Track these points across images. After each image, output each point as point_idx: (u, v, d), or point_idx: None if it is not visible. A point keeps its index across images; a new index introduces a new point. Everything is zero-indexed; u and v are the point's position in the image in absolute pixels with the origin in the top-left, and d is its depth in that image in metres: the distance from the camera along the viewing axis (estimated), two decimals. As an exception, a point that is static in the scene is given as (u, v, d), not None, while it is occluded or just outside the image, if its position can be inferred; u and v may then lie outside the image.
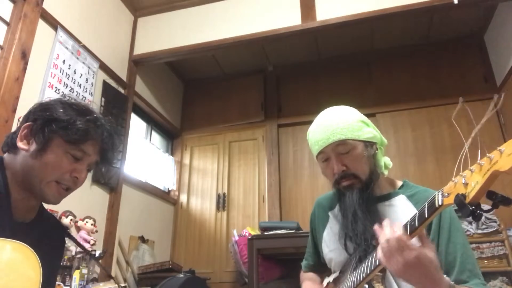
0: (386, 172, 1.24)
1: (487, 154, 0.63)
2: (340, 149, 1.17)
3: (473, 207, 0.65)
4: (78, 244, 1.25)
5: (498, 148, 0.61)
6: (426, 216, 0.80)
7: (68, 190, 1.05)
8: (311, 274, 1.45)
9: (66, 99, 1.08)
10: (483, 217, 3.06)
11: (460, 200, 0.67)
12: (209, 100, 4.62)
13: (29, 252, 0.89)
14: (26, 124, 1.02)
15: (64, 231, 1.22)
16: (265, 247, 3.11)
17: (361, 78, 4.22)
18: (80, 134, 1.01)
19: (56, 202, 1.03)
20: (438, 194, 0.77)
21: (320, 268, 1.41)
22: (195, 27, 3.52)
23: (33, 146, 0.99)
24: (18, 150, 1.01)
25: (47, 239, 1.09)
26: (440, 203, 0.75)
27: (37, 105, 1.05)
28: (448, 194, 0.73)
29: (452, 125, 3.68)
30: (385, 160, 1.24)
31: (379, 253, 0.89)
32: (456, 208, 0.72)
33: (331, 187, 1.28)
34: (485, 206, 0.73)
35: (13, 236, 0.88)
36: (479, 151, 0.66)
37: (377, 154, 1.22)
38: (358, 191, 1.17)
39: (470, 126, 0.97)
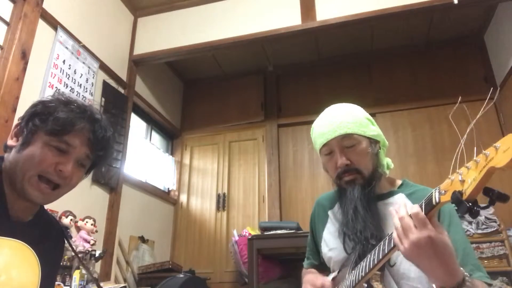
0: (387, 172, 1.25)
1: (483, 151, 0.63)
2: (345, 143, 1.18)
3: (470, 204, 0.65)
4: (72, 249, 1.23)
5: (494, 144, 0.61)
6: (423, 214, 0.79)
7: (56, 189, 0.99)
8: (312, 270, 1.44)
9: (58, 94, 1.04)
10: (483, 217, 3.06)
11: (457, 197, 0.67)
12: (209, 100, 4.62)
13: (28, 251, 0.88)
14: (16, 123, 1.02)
15: (63, 233, 1.20)
16: (265, 247, 3.11)
17: (361, 78, 4.22)
18: (60, 124, 0.96)
19: (41, 201, 0.99)
20: (435, 192, 0.77)
21: (321, 266, 1.41)
22: (195, 27, 3.53)
23: (19, 142, 0.98)
24: (11, 149, 0.99)
25: (46, 239, 1.07)
26: (437, 201, 0.75)
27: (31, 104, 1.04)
28: (445, 191, 0.73)
29: (452, 125, 3.68)
30: (387, 161, 1.25)
31: (394, 233, 0.86)
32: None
33: (331, 184, 1.28)
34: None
35: (11, 236, 0.88)
36: (475, 148, 0.66)
37: (380, 153, 1.23)
38: (360, 187, 1.17)
39: (469, 124, 0.98)
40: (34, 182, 0.95)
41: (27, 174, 0.94)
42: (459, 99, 0.88)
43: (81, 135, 1.00)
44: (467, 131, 0.67)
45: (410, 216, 0.82)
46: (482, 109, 0.69)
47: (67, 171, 0.98)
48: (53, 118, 0.96)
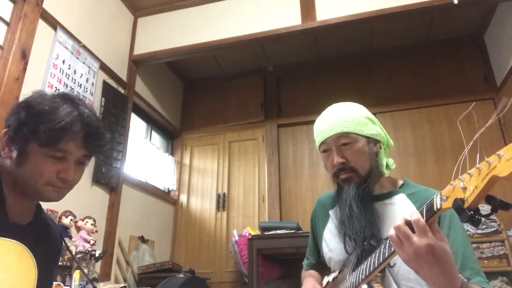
0: (387, 172, 1.24)
1: (486, 159, 0.63)
2: (341, 141, 1.19)
3: (472, 212, 0.65)
4: (70, 252, 1.23)
5: (497, 152, 0.61)
6: (424, 219, 0.79)
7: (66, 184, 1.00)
8: (312, 272, 1.45)
9: (36, 94, 0.99)
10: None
11: (458, 205, 0.67)
12: (209, 100, 4.62)
13: (24, 252, 0.88)
14: (3, 131, 0.99)
15: (61, 235, 1.20)
16: (265, 247, 3.11)
17: (361, 78, 4.22)
18: (51, 135, 0.93)
19: (58, 199, 1.00)
20: (436, 198, 0.77)
21: (321, 266, 1.41)
22: (195, 27, 3.52)
23: (14, 154, 0.96)
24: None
25: (44, 242, 1.08)
26: (438, 207, 0.75)
27: (10, 109, 0.99)
28: (447, 197, 0.73)
29: (452, 125, 3.69)
30: (388, 161, 1.25)
31: (391, 241, 0.85)
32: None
33: (331, 181, 1.28)
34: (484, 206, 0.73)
35: (9, 238, 0.88)
36: (478, 154, 0.66)
37: (380, 153, 1.23)
38: (355, 186, 1.17)
39: (471, 126, 0.97)
40: (49, 187, 0.97)
41: (37, 185, 0.96)
42: (472, 105, 0.87)
43: (74, 137, 0.97)
44: (473, 140, 0.66)
45: (409, 222, 0.81)
46: (491, 118, 0.69)
47: (70, 176, 0.98)
48: (42, 129, 0.93)
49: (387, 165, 1.24)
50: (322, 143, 1.23)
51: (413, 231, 0.80)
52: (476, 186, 0.64)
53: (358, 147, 1.18)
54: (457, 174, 0.73)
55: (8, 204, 0.97)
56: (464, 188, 0.67)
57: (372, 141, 1.22)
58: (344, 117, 1.20)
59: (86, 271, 2.52)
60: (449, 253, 0.81)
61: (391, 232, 0.84)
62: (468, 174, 0.67)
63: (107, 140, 1.08)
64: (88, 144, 1.00)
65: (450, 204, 0.71)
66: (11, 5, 2.41)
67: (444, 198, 0.74)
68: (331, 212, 1.34)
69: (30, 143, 0.94)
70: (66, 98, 1.00)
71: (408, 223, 0.81)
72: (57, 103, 0.97)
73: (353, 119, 1.20)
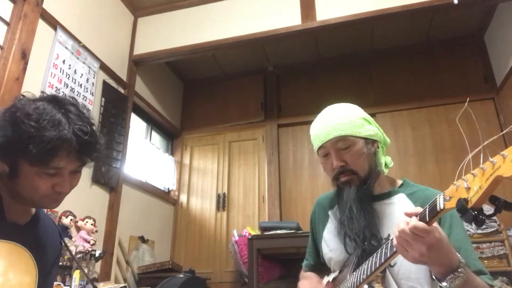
0: (386, 171, 1.25)
1: (490, 159, 0.63)
2: (339, 145, 1.19)
3: (476, 212, 0.65)
4: (69, 251, 1.23)
5: (502, 152, 0.61)
6: (427, 219, 0.79)
7: (62, 194, 1.01)
8: (309, 273, 1.45)
9: (21, 107, 0.92)
10: (483, 217, 3.06)
11: (462, 205, 0.67)
12: (209, 100, 4.62)
13: (24, 253, 0.89)
14: None
15: (60, 235, 1.20)
16: (265, 247, 3.11)
17: (361, 78, 4.22)
18: (41, 156, 0.88)
19: (56, 206, 1.02)
20: (439, 198, 0.77)
21: (321, 267, 1.41)
22: (195, 27, 3.52)
23: (6, 168, 0.93)
24: None
25: (44, 242, 1.08)
26: (441, 207, 0.75)
27: None
28: (450, 197, 0.73)
29: (452, 125, 3.69)
30: (386, 159, 1.25)
31: (394, 242, 0.88)
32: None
33: (331, 184, 1.28)
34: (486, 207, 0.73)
35: (7, 238, 0.88)
36: (481, 155, 0.66)
37: (377, 152, 1.23)
38: (356, 188, 1.18)
39: (471, 126, 0.98)
40: (46, 199, 0.97)
41: (34, 198, 0.96)
42: (467, 101, 0.88)
43: (65, 154, 0.92)
44: (476, 150, 0.66)
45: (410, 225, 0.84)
46: (496, 135, 0.69)
47: (66, 189, 0.98)
48: (32, 151, 0.87)
49: (385, 164, 1.24)
50: (320, 147, 1.23)
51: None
52: (480, 186, 0.64)
53: (357, 150, 1.18)
54: (460, 176, 0.73)
55: (5, 204, 0.97)
56: (468, 188, 0.67)
57: (369, 141, 1.22)
58: (340, 120, 1.20)
59: (86, 271, 2.51)
60: (446, 237, 0.88)
61: (396, 234, 0.86)
62: (472, 174, 0.67)
63: (103, 146, 1.03)
64: (82, 157, 0.97)
65: (453, 204, 0.71)
66: (11, 5, 2.41)
67: (448, 198, 0.74)
68: (330, 213, 1.35)
69: (20, 162, 0.91)
70: (56, 105, 0.95)
71: None
72: (46, 114, 0.90)
73: (350, 122, 1.19)
